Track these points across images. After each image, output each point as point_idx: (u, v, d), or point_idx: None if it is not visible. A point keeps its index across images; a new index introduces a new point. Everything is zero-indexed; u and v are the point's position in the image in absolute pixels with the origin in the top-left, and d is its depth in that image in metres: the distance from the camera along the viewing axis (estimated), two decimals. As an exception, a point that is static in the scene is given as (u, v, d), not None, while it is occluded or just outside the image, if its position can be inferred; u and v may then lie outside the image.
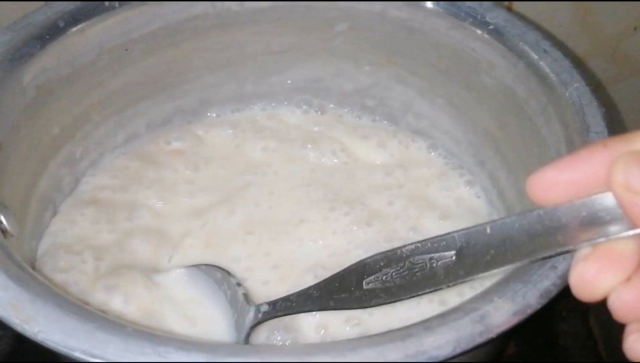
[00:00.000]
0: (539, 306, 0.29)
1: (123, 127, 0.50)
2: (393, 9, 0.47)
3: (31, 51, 0.40)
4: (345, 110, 0.55)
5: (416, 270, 0.30)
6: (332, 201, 0.47)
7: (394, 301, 0.31)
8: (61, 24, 0.42)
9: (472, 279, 0.28)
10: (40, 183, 0.43)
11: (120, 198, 0.47)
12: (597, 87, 0.44)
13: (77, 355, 0.25)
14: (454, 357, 0.27)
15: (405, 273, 0.30)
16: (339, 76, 0.53)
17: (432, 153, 0.52)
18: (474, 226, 0.28)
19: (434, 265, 0.29)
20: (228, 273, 0.40)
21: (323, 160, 0.51)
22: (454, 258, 0.29)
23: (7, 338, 0.48)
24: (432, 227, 0.46)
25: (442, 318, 0.28)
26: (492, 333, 0.27)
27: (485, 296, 0.29)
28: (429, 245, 0.29)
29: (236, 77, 0.53)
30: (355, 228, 0.45)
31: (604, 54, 0.62)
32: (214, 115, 0.54)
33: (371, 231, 0.45)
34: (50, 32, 0.42)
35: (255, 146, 0.52)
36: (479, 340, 0.27)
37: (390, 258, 0.31)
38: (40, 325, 0.26)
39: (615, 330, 0.49)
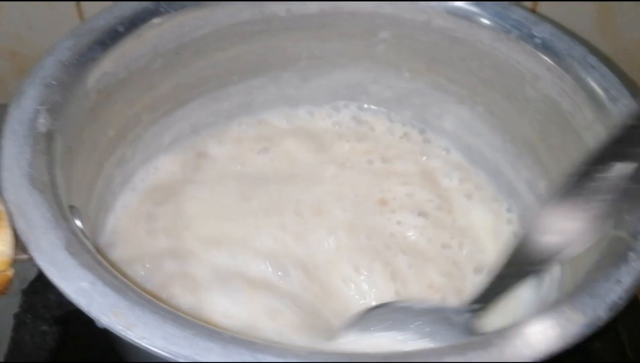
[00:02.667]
0: (607, 319, 0.30)
1: (170, 128, 0.51)
2: (438, 19, 0.48)
3: (94, 56, 0.41)
4: (383, 115, 0.56)
5: None
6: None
7: None
8: (121, 29, 0.43)
9: None
10: (96, 184, 0.44)
11: (168, 199, 0.48)
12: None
13: (181, 361, 0.26)
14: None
15: None
16: (378, 82, 0.54)
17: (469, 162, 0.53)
18: None
19: None
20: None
21: (354, 164, 0.52)
22: None
23: (52, 334, 0.49)
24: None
25: (519, 330, 0.29)
26: (567, 344, 0.29)
27: (556, 308, 0.30)
28: None
29: (279, 81, 0.54)
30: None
31: (622, 60, 0.64)
32: (255, 118, 0.55)
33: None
34: (111, 37, 0.42)
35: (290, 148, 0.53)
36: (555, 350, 0.29)
37: None
38: (143, 331, 0.27)
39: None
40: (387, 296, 0.44)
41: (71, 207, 0.35)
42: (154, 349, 0.27)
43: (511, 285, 0.37)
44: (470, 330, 0.38)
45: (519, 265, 0.35)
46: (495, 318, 0.40)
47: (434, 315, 0.38)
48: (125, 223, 0.46)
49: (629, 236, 0.34)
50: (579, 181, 0.32)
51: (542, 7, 0.58)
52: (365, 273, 0.45)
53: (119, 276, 0.30)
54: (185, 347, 0.27)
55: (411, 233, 0.48)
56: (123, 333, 0.27)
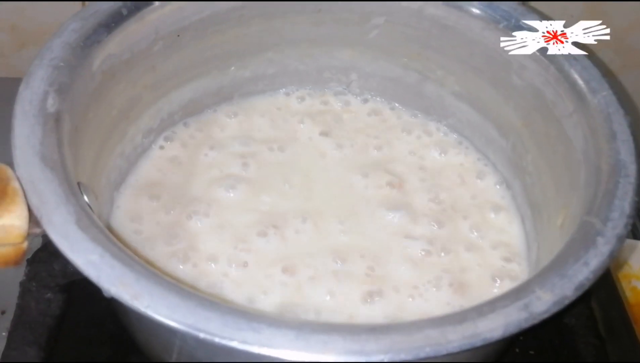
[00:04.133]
0: (574, 298, 0.33)
1: (168, 109, 0.53)
2: (430, 7, 0.50)
3: (99, 38, 0.43)
4: (374, 99, 0.58)
5: None
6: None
7: None
8: (124, 11, 0.45)
9: None
10: (101, 162, 0.46)
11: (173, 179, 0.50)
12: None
13: (184, 328, 0.29)
14: (502, 339, 0.31)
15: None
16: (371, 66, 0.56)
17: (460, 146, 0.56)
18: None
19: None
20: None
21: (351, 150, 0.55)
22: None
23: (57, 302, 0.51)
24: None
25: (492, 305, 0.32)
26: (536, 320, 0.32)
27: (527, 287, 0.33)
28: None
29: (276, 62, 0.56)
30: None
31: (611, 45, 0.66)
32: (254, 98, 0.57)
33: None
34: (115, 20, 0.44)
35: (287, 128, 0.55)
36: (525, 325, 0.31)
37: None
38: (147, 301, 0.30)
39: (612, 312, 0.53)
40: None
41: (79, 183, 0.37)
42: (158, 317, 0.29)
43: None
44: None
45: None
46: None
47: None
48: (130, 199, 0.49)
49: (600, 222, 0.36)
50: None
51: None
52: None
53: (126, 249, 0.32)
54: (188, 316, 0.29)
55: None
56: (130, 302, 0.30)
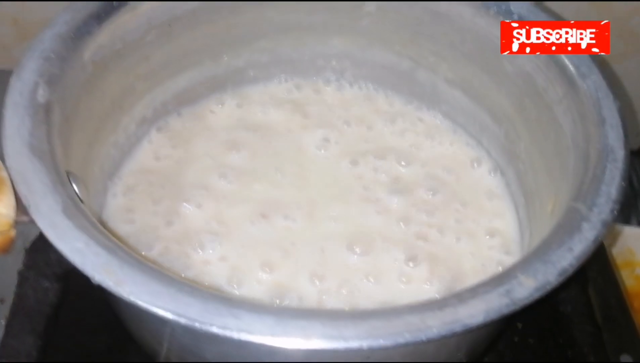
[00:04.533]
0: (557, 284, 0.33)
1: (162, 98, 0.53)
2: (421, -7, 0.50)
3: (90, 29, 0.43)
4: (368, 86, 0.58)
5: None
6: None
7: None
8: (115, 3, 0.45)
9: None
10: (94, 152, 0.46)
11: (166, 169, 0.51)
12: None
13: (165, 314, 0.29)
14: (484, 326, 0.31)
15: None
16: (364, 54, 0.56)
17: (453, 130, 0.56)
18: None
19: None
20: None
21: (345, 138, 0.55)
22: None
23: (54, 291, 0.52)
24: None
25: (474, 291, 0.32)
26: (517, 306, 0.32)
27: (509, 273, 0.33)
28: None
29: (269, 51, 0.56)
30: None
31: (613, 30, 0.65)
32: (247, 87, 0.57)
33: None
34: (106, 11, 0.44)
35: (280, 116, 0.56)
36: (506, 311, 0.32)
37: None
38: (130, 287, 0.30)
39: (610, 299, 0.53)
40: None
41: (68, 173, 0.38)
42: (141, 303, 0.30)
43: None
44: None
45: None
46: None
47: None
48: (123, 188, 0.49)
49: (586, 207, 0.36)
50: None
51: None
52: None
53: (111, 237, 0.33)
54: (169, 302, 0.30)
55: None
56: (113, 289, 0.30)
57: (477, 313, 0.31)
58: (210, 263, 0.45)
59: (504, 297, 0.32)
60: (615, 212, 0.36)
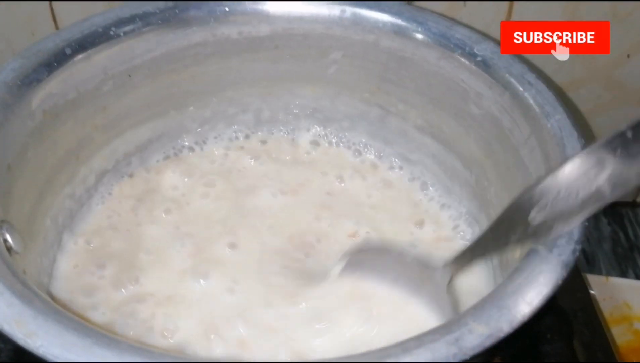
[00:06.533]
0: (510, 331, 0.30)
1: (124, 150, 0.52)
2: (385, 39, 0.49)
3: (39, 77, 0.43)
4: (337, 135, 0.57)
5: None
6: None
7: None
8: (68, 51, 0.44)
9: None
10: (45, 202, 0.45)
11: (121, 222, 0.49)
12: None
13: (75, 367, 0.27)
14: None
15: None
16: (334, 102, 0.55)
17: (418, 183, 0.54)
18: None
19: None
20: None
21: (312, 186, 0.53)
22: None
23: (7, 351, 0.49)
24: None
25: (419, 340, 0.30)
26: (466, 355, 0.29)
27: (460, 320, 0.31)
28: None
29: (236, 101, 0.55)
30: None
31: (598, 81, 0.64)
32: (212, 138, 0.56)
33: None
34: (58, 59, 0.44)
35: (248, 166, 0.55)
36: (453, 360, 0.29)
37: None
38: (41, 339, 0.28)
39: (597, 354, 0.50)
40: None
41: (2, 221, 0.36)
42: (50, 357, 0.27)
43: (495, 250, 0.39)
44: (443, 288, 0.40)
45: (505, 233, 0.36)
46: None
47: (417, 268, 0.40)
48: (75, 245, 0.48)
49: (546, 249, 0.34)
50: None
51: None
52: None
53: (31, 286, 0.31)
54: (82, 355, 0.28)
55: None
56: (22, 342, 0.28)
57: (424, 363, 0.29)
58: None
59: (452, 346, 0.29)
60: (577, 253, 0.34)
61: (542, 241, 0.34)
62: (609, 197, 0.31)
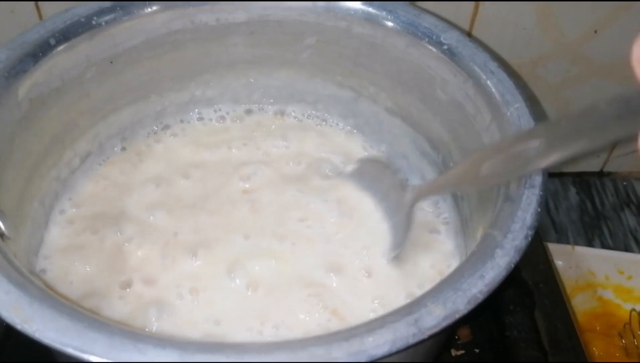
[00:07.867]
0: (466, 312, 0.33)
1: (107, 133, 0.54)
2: (357, 26, 0.51)
3: (25, 68, 0.44)
4: (310, 116, 0.59)
5: None
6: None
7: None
8: (52, 41, 0.46)
9: None
10: (33, 186, 0.47)
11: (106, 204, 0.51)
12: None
13: (70, 350, 0.30)
14: (390, 355, 0.31)
15: None
16: (307, 85, 0.57)
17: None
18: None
19: None
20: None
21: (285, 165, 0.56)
22: None
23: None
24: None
25: (382, 320, 0.33)
26: (424, 335, 0.32)
27: (420, 301, 0.34)
28: None
29: (214, 85, 0.57)
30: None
31: (566, 56, 0.66)
32: (193, 120, 0.58)
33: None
34: (43, 50, 0.45)
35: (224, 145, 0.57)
36: (412, 340, 0.32)
37: None
38: (37, 324, 0.31)
39: (556, 324, 0.53)
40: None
41: (-6, 210, 0.38)
42: (46, 341, 0.30)
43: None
44: (409, 216, 0.45)
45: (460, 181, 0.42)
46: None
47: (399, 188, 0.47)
48: (63, 223, 0.50)
49: (501, 234, 0.37)
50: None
51: (485, 6, 0.61)
52: None
53: (26, 273, 0.34)
54: (75, 338, 0.30)
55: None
56: (19, 326, 0.31)
57: (384, 343, 0.31)
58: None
59: (412, 326, 0.32)
60: (529, 238, 0.37)
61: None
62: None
